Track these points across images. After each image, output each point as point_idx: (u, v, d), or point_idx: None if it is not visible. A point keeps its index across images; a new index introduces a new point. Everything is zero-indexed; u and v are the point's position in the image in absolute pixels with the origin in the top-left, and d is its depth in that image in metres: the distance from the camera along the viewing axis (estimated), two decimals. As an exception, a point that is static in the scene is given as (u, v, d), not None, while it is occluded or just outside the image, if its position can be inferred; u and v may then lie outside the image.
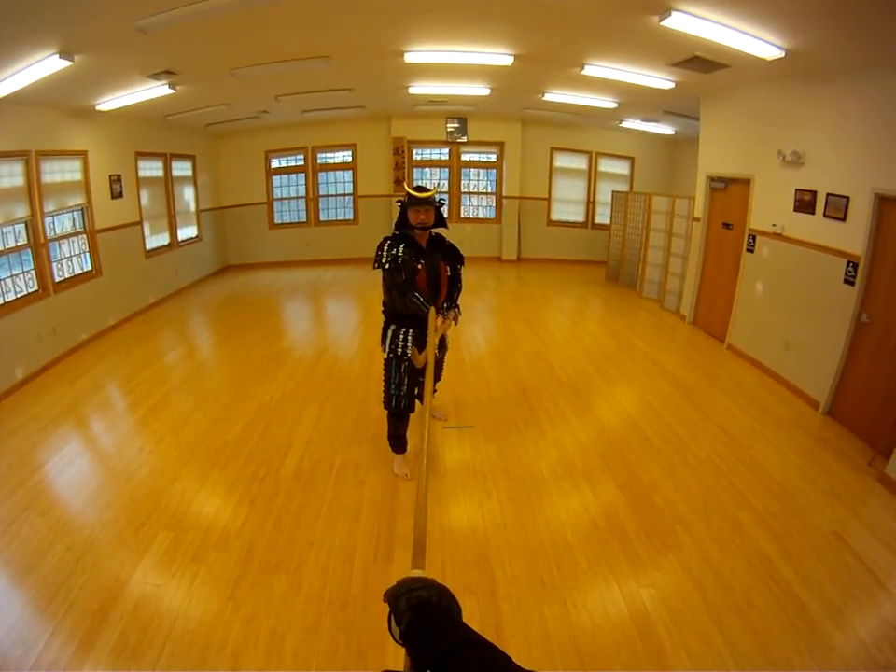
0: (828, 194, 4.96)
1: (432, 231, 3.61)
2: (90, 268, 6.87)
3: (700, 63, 5.16)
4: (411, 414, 3.79)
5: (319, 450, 4.16)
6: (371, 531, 3.27)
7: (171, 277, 9.07)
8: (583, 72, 5.89)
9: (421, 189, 3.49)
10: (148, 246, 8.34)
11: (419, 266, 3.47)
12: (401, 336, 3.59)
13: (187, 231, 9.75)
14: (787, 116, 5.53)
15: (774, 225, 5.71)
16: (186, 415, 4.74)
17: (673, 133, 10.12)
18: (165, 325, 7.59)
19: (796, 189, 5.38)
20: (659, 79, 5.94)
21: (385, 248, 3.45)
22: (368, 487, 3.70)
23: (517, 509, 3.52)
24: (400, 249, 3.43)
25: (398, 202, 3.62)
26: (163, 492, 3.64)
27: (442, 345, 3.98)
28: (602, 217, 11.48)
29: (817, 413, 4.95)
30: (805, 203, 5.28)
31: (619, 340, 6.90)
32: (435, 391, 4.28)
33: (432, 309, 3.39)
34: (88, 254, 6.86)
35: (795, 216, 5.41)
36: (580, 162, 11.50)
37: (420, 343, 3.56)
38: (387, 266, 3.43)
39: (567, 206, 11.72)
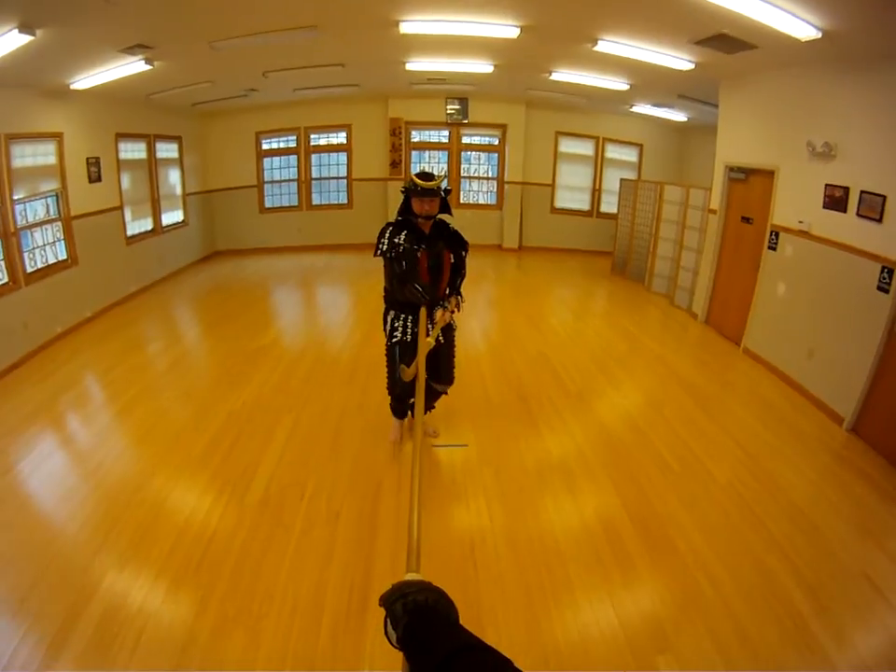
0: (862, 191, 4.51)
1: (436, 216, 3.47)
2: (65, 257, 6.43)
3: (726, 41, 4.71)
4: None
5: (290, 471, 3.71)
6: (343, 579, 2.82)
7: (154, 265, 8.61)
8: (596, 48, 5.39)
9: (426, 175, 3.32)
10: (129, 233, 7.87)
11: (419, 254, 3.37)
12: (400, 322, 3.53)
13: (172, 216, 9.27)
14: (818, 104, 5.04)
15: (800, 222, 5.25)
16: (151, 423, 4.32)
17: (685, 119, 9.59)
18: (144, 316, 7.15)
19: (826, 184, 4.92)
20: (678, 59, 5.46)
21: (387, 236, 3.37)
22: (342, 523, 3.23)
23: (516, 558, 3.04)
24: (402, 237, 3.35)
25: (402, 189, 3.44)
26: (115, 522, 3.19)
27: (449, 329, 3.70)
28: (608, 205, 11.03)
29: (840, 429, 4.56)
30: (835, 199, 4.83)
31: (628, 340, 6.47)
32: (433, 407, 4.11)
33: (423, 309, 3.24)
34: (63, 242, 6.41)
35: (824, 213, 4.96)
36: (586, 148, 10.98)
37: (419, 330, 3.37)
38: (388, 255, 3.36)
39: (572, 193, 11.23)
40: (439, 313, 3.40)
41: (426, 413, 3.93)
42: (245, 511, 3.32)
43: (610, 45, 5.28)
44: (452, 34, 5.26)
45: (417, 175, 3.31)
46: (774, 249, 5.71)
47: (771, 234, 5.73)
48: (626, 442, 4.21)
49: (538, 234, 11.28)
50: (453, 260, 3.56)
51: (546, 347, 6.08)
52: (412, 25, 5.03)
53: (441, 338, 3.53)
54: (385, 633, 0.92)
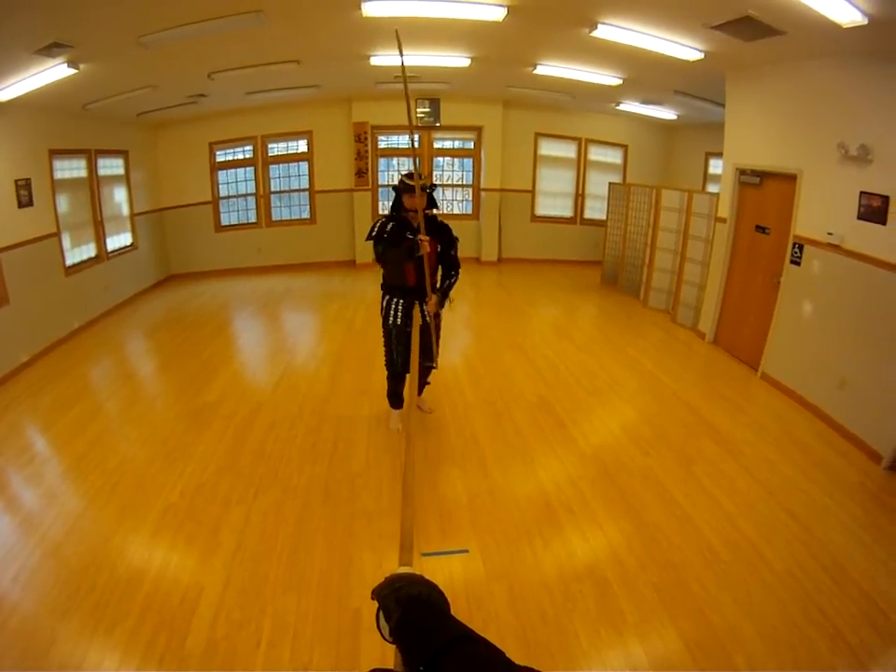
0: (905, 201, 3.92)
1: (425, 212, 3.82)
2: (-8, 295, 5.53)
3: (749, 25, 4.04)
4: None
5: (241, 602, 2.78)
6: None
7: (99, 295, 7.63)
8: (594, 33, 4.65)
9: (413, 175, 3.73)
10: (69, 261, 6.90)
11: (406, 244, 3.75)
12: (393, 305, 4.01)
13: (119, 240, 8.27)
14: (853, 101, 4.40)
15: (830, 234, 4.59)
16: (71, 523, 3.35)
17: (674, 117, 8.95)
18: (85, 359, 6.17)
19: (861, 192, 4.30)
20: (687, 48, 4.79)
21: (377, 227, 3.88)
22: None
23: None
24: (387, 230, 3.84)
25: (392, 187, 4.06)
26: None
27: (437, 315, 4.13)
28: (592, 211, 10.42)
29: (878, 469, 4.02)
30: (872, 210, 4.22)
31: (637, 372, 5.68)
32: (428, 383, 4.56)
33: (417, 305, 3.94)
34: None
35: (859, 224, 4.34)
36: (567, 150, 10.28)
37: (408, 314, 3.95)
38: (376, 238, 3.83)
39: (554, 200, 10.52)
40: (433, 298, 3.88)
41: (420, 394, 4.61)
42: (186, 663, 2.42)
43: (611, 29, 4.56)
44: (424, 16, 4.48)
45: (406, 175, 3.79)
46: (798, 264, 5.02)
47: (794, 247, 5.04)
48: (669, 533, 3.34)
49: (518, 245, 10.55)
50: (439, 249, 4.00)
51: (546, 389, 5.24)
52: (377, 6, 4.24)
53: (428, 318, 3.99)
54: (378, 626, 0.92)
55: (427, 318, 3.98)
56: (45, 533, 3.27)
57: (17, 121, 5.88)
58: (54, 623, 2.62)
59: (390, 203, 4.02)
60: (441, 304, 3.97)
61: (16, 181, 5.87)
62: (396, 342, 4.07)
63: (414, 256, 3.70)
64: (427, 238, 3.71)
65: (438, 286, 4.01)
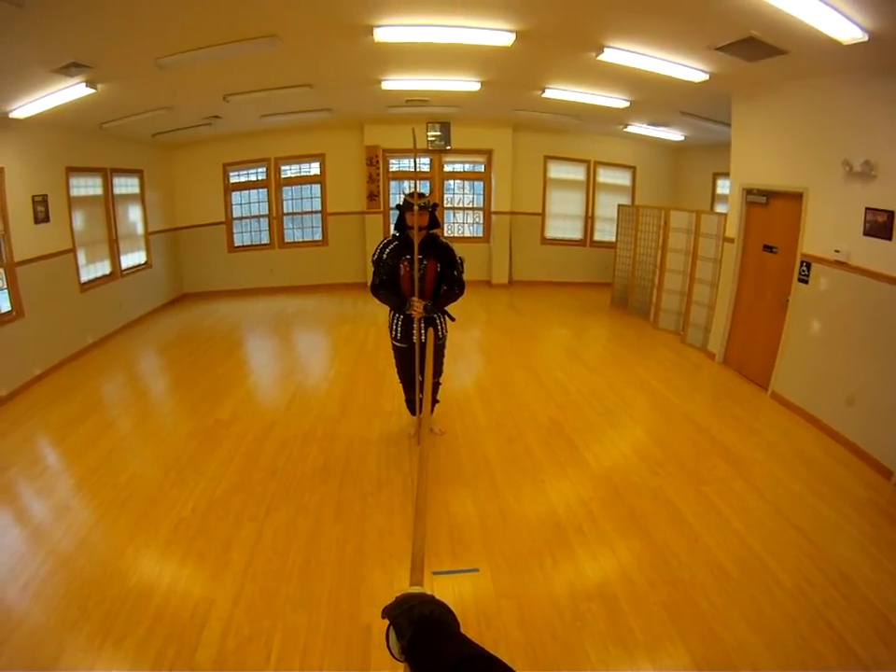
0: (910, 216, 3.92)
1: (428, 231, 3.99)
2: (8, 308, 5.63)
3: (752, 46, 4.11)
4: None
5: (252, 616, 2.78)
6: None
7: (113, 312, 7.76)
8: (601, 57, 4.73)
9: (417, 195, 3.85)
10: (84, 278, 7.03)
11: (403, 265, 4.01)
12: (395, 321, 4.21)
13: (133, 258, 8.43)
14: (856, 118, 4.43)
15: (837, 251, 4.59)
16: (83, 535, 3.37)
17: (682, 138, 9.02)
18: (98, 374, 6.26)
19: (867, 208, 4.30)
20: (692, 69, 4.86)
21: (379, 249, 4.11)
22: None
23: None
24: (385, 252, 4.05)
25: (395, 206, 4.13)
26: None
27: (435, 336, 4.16)
28: (602, 233, 10.47)
29: (887, 484, 4.01)
30: (878, 225, 4.21)
31: (647, 393, 5.65)
32: (437, 401, 4.67)
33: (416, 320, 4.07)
34: (5, 291, 5.62)
35: (865, 241, 4.34)
36: (577, 173, 10.38)
37: (408, 330, 4.16)
38: (376, 264, 4.10)
39: (564, 222, 10.59)
40: (418, 303, 3.97)
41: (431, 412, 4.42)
42: (196, 673, 2.42)
43: (617, 53, 4.64)
44: (434, 41, 4.56)
45: (409, 195, 3.90)
46: (805, 282, 5.02)
47: (802, 265, 5.04)
48: (680, 554, 3.29)
49: (529, 268, 10.60)
50: (438, 269, 4.09)
51: (557, 410, 5.21)
52: (388, 31, 4.32)
53: (424, 337, 4.08)
54: (387, 645, 0.92)
55: (422, 334, 4.08)
56: (55, 545, 3.29)
57: (35, 138, 6.03)
58: (63, 634, 2.63)
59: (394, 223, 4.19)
60: (427, 311, 4.02)
61: (33, 197, 6.01)
62: (397, 354, 4.34)
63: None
64: (422, 304, 3.97)
65: (431, 301, 4.10)
